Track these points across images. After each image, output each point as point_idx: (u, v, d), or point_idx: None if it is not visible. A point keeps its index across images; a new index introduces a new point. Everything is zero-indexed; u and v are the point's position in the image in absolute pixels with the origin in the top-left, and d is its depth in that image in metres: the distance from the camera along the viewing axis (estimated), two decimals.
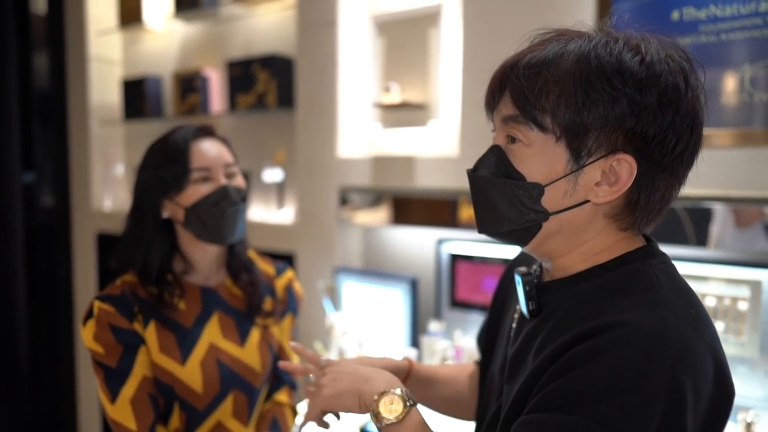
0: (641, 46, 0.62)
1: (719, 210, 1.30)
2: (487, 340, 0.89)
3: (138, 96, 2.47)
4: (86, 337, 1.02)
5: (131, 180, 2.64)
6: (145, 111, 2.45)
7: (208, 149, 1.08)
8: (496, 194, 0.67)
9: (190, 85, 2.29)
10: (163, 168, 1.07)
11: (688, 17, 1.29)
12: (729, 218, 1.30)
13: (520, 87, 0.63)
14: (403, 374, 0.89)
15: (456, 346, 1.57)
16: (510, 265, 0.91)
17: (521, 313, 0.75)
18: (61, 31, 2.67)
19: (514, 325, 0.77)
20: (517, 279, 0.72)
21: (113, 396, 1.01)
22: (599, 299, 0.63)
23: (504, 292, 0.89)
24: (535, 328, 0.69)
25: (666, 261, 0.67)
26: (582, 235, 0.66)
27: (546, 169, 0.63)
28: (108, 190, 2.67)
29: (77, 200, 2.73)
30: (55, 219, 2.80)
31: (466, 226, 1.64)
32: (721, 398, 0.59)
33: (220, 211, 1.07)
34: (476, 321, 1.67)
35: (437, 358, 1.52)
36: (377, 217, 1.82)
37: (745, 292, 1.29)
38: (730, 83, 1.27)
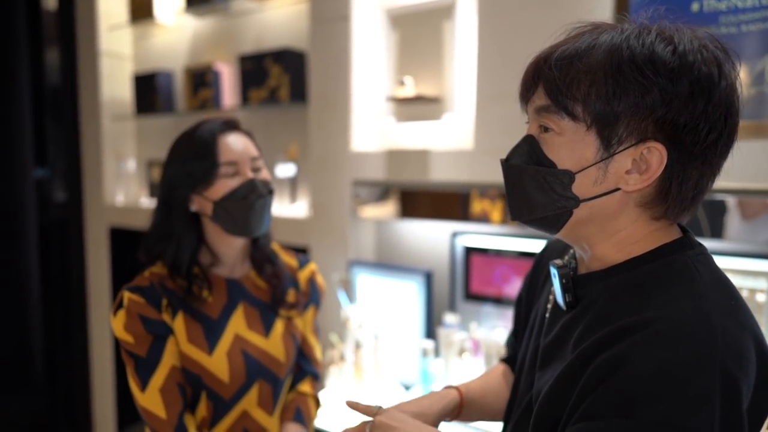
0: (674, 36, 0.62)
1: (733, 202, 1.31)
2: (519, 334, 0.90)
3: (149, 91, 2.47)
4: (116, 327, 1.04)
5: (143, 174, 2.67)
6: (156, 106, 2.46)
7: (235, 143, 1.10)
8: (528, 181, 0.68)
9: (201, 79, 2.30)
10: (191, 163, 1.08)
11: (709, 8, 1.29)
12: (736, 211, 1.31)
13: (552, 78, 0.65)
14: (456, 406, 0.89)
15: (473, 338, 1.58)
16: (537, 259, 0.92)
17: (555, 304, 0.75)
18: (72, 26, 2.68)
19: (547, 315, 0.78)
20: (553, 271, 0.72)
21: (143, 384, 1.03)
22: (638, 292, 0.63)
23: (533, 286, 0.90)
24: (573, 320, 0.69)
25: (704, 252, 0.67)
26: (614, 223, 0.66)
27: (577, 156, 0.64)
28: (120, 184, 2.68)
29: (89, 195, 2.74)
30: (67, 214, 2.82)
31: (478, 219, 1.65)
32: (766, 385, 0.59)
33: (248, 204, 1.08)
34: (490, 313, 1.68)
35: (454, 350, 1.53)
36: (385, 211, 1.83)
37: (763, 284, 1.30)
38: (750, 75, 1.27)
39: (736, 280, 1.32)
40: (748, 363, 0.57)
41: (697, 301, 0.59)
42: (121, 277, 2.69)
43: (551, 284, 0.77)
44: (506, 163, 0.71)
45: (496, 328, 1.64)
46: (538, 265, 0.91)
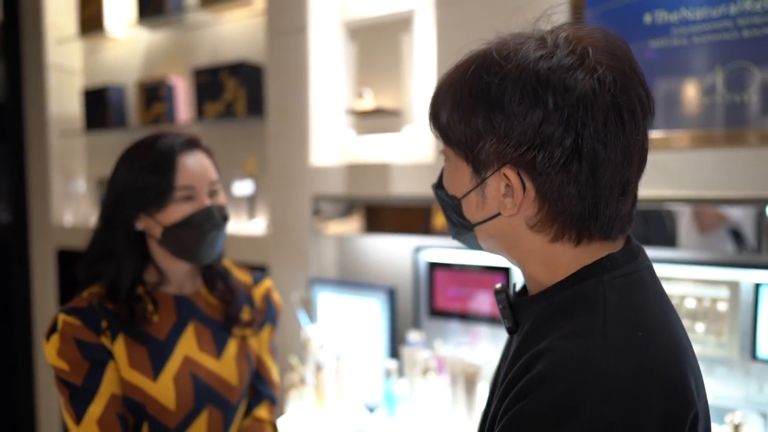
0: (511, 52, 0.60)
1: (686, 212, 1.31)
2: None
3: (100, 106, 2.38)
4: (49, 353, 0.95)
5: (94, 193, 2.55)
6: (107, 121, 2.36)
7: (194, 165, 1.02)
8: (441, 206, 0.72)
9: (155, 93, 2.22)
10: (144, 179, 0.99)
11: (660, 20, 1.31)
12: (693, 224, 1.32)
13: (431, 111, 0.67)
14: None
15: (438, 356, 1.54)
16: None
17: None
18: (17, 39, 2.56)
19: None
20: (495, 296, 0.72)
21: (78, 416, 0.94)
22: (549, 322, 0.62)
23: None
24: (511, 347, 0.69)
25: (628, 273, 0.62)
26: (521, 243, 0.64)
27: (458, 182, 0.66)
28: (69, 204, 2.55)
29: (35, 215, 2.60)
30: (11, 235, 2.66)
31: (439, 233, 1.62)
32: (675, 421, 0.54)
33: (202, 234, 1.02)
34: (455, 329, 1.64)
35: (419, 369, 1.48)
36: (350, 227, 1.78)
37: (724, 292, 1.30)
38: (702, 85, 1.29)
39: (697, 290, 1.33)
40: (635, 406, 0.52)
41: (586, 337, 0.56)
42: (69, 301, 2.55)
43: None
44: (433, 185, 0.74)
45: (461, 345, 1.60)
46: None
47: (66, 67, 2.55)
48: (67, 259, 2.52)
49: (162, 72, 2.34)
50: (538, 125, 0.57)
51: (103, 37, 2.40)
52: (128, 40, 2.43)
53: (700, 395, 0.59)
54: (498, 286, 0.71)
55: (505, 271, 1.57)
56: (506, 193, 0.62)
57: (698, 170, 1.28)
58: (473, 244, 0.70)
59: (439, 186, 0.71)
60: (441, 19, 1.59)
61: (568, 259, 0.63)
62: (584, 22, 0.66)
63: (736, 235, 1.28)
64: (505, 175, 0.60)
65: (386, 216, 1.72)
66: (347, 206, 1.79)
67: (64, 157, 2.56)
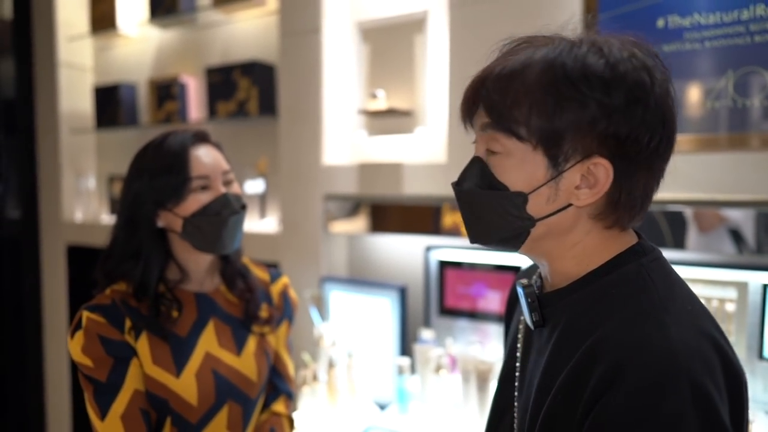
0: (603, 48, 0.63)
1: (692, 214, 1.33)
2: None
3: (111, 104, 2.39)
4: (74, 349, 0.97)
5: (104, 190, 2.57)
6: (118, 119, 2.38)
7: (206, 156, 1.05)
8: (483, 206, 0.68)
9: (167, 92, 2.24)
10: (159, 177, 1.02)
11: (673, 25, 1.33)
12: (692, 224, 1.34)
13: (492, 102, 0.65)
14: None
15: (449, 354, 1.56)
16: (514, 280, 0.91)
17: (526, 325, 0.75)
18: (29, 36, 2.58)
19: (519, 336, 0.78)
20: (519, 291, 0.73)
21: (103, 412, 0.96)
22: (596, 308, 0.64)
23: (510, 306, 0.90)
24: (543, 341, 0.70)
25: (657, 256, 0.68)
26: (570, 236, 0.67)
27: (527, 177, 0.65)
28: (79, 201, 2.57)
29: (46, 212, 2.62)
30: (22, 232, 2.68)
31: (449, 232, 1.64)
32: (733, 384, 0.59)
33: (222, 221, 1.03)
34: (464, 328, 1.66)
35: (431, 367, 1.50)
36: (356, 225, 1.80)
37: (732, 293, 1.32)
38: (714, 89, 1.30)
39: (705, 290, 1.34)
40: (714, 369, 0.57)
41: (654, 318, 0.60)
42: (79, 298, 2.56)
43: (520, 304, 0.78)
44: (458, 188, 0.71)
45: (472, 344, 1.62)
46: (514, 286, 0.91)
47: (77, 64, 2.56)
48: (77, 256, 2.54)
49: (174, 71, 2.36)
50: (639, 118, 0.61)
51: (115, 35, 2.42)
52: (140, 39, 2.44)
53: None
54: (524, 281, 0.73)
55: (515, 270, 1.59)
56: (581, 185, 0.64)
57: (707, 173, 1.30)
58: (513, 245, 0.69)
59: (484, 185, 0.67)
60: (454, 20, 1.61)
61: (603, 247, 0.67)
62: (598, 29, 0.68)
63: (736, 236, 1.30)
64: (591, 166, 0.63)
65: (393, 215, 1.74)
66: (353, 205, 1.81)
67: (74, 154, 2.58)
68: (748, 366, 1.31)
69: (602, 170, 0.62)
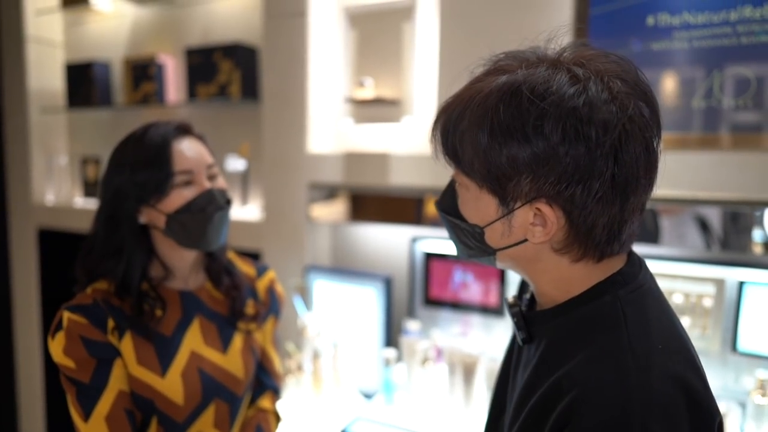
0: (551, 81, 0.58)
1: (688, 211, 1.36)
2: None
3: (84, 82, 2.30)
4: (55, 350, 0.94)
5: (77, 171, 2.49)
6: (92, 99, 2.29)
7: (189, 150, 1.01)
8: (453, 227, 0.72)
9: (143, 72, 2.16)
10: (141, 172, 0.98)
11: (663, 23, 1.33)
12: (671, 219, 1.36)
13: (444, 140, 0.66)
14: None
15: (436, 346, 1.57)
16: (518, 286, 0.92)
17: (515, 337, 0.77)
18: None
19: (515, 344, 0.79)
20: (506, 308, 0.74)
21: (87, 414, 0.93)
22: (571, 338, 0.64)
23: None
24: (530, 355, 0.70)
25: (639, 286, 0.65)
26: (540, 265, 0.66)
27: (481, 213, 0.66)
28: (50, 182, 2.48)
29: (14, 193, 2.52)
30: None
31: (432, 223, 1.64)
32: (702, 427, 0.57)
33: (206, 217, 1.00)
34: (448, 319, 1.67)
35: (418, 359, 1.51)
36: (334, 210, 1.78)
37: (710, 289, 1.35)
38: (700, 89, 1.32)
39: (684, 286, 1.38)
40: (674, 415, 0.55)
41: (617, 358, 0.58)
42: (51, 284, 2.49)
43: None
44: (437, 205, 0.74)
45: (455, 335, 1.64)
46: None
47: (46, 39, 2.45)
48: (48, 239, 2.46)
49: (150, 50, 2.27)
50: (580, 161, 0.57)
51: (87, 10, 2.31)
52: (114, 14, 2.34)
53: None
54: (510, 299, 0.74)
55: None
56: (535, 222, 0.62)
57: (697, 172, 1.32)
58: (488, 263, 0.71)
59: (451, 213, 0.70)
60: (444, 10, 1.58)
61: (582, 276, 0.65)
62: (587, 42, 0.66)
63: (703, 225, 1.33)
64: (538, 207, 0.61)
65: (375, 204, 1.73)
66: (329, 191, 1.79)
67: (44, 134, 2.48)
68: (721, 358, 1.35)
69: (549, 211, 0.60)
